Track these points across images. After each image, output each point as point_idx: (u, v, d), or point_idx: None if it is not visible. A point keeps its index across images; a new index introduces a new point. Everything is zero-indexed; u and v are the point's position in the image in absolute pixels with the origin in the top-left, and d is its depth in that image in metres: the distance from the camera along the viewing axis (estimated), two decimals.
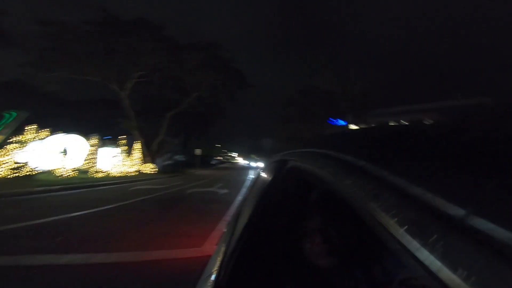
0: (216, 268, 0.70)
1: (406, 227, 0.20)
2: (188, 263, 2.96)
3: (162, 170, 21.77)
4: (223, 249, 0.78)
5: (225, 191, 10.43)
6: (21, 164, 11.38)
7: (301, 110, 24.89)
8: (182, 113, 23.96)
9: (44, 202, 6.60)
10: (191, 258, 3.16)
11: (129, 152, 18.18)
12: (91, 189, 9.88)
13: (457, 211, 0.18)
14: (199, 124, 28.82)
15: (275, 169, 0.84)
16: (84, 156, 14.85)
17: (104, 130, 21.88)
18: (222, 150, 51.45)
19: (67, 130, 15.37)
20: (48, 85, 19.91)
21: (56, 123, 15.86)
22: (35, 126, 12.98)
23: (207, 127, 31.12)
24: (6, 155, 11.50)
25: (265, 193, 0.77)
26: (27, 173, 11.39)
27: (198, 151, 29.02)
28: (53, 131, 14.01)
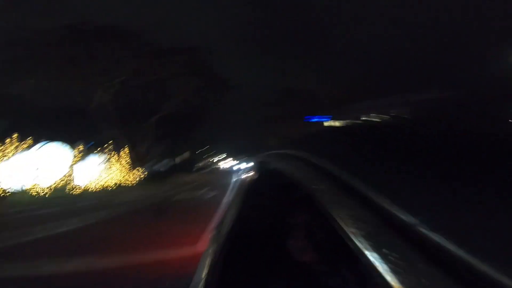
0: (206, 268, 0.71)
1: (361, 233, 0.19)
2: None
3: (149, 177, 21.47)
4: (212, 249, 0.79)
5: (214, 193, 10.68)
6: None
7: (283, 109, 25.57)
8: (168, 117, 23.70)
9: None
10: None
11: (116, 158, 17.84)
12: (50, 210, 8.86)
13: (408, 219, 0.18)
14: (186, 127, 28.64)
15: (259, 169, 0.78)
16: (67, 166, 14.42)
17: (88, 138, 21.34)
18: (211, 151, 50.69)
19: (50, 139, 14.93)
20: (27, 93, 19.23)
21: (37, 132, 15.35)
22: (16, 135, 12.51)
23: (194, 130, 30.97)
24: None
25: (250, 193, 0.78)
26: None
27: (186, 154, 28.83)
28: (35, 141, 13.54)
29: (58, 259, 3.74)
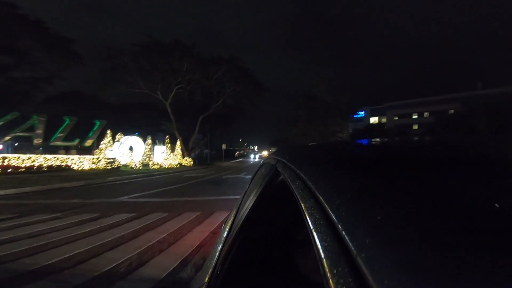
0: (209, 272, 0.69)
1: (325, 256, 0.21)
2: None
3: (197, 163, 26.83)
4: (217, 253, 0.75)
5: (249, 176, 14.73)
6: (111, 160, 16.69)
7: (306, 112, 28.64)
8: (210, 116, 28.71)
9: (141, 183, 11.38)
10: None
11: (172, 149, 23.27)
12: (157, 176, 14.72)
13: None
14: (223, 123, 33.56)
15: (270, 172, 0.76)
16: (143, 152, 20.08)
17: (153, 132, 27.39)
18: (244, 144, 56.49)
19: (128, 133, 20.66)
20: (111, 97, 25.72)
21: (119, 127, 21.26)
22: (109, 131, 18.29)
23: (230, 125, 35.83)
24: (101, 154, 16.93)
25: (260, 196, 0.72)
26: (115, 166, 16.70)
27: (223, 146, 33.84)
28: (123, 134, 19.30)
29: (161, 199, 8.25)
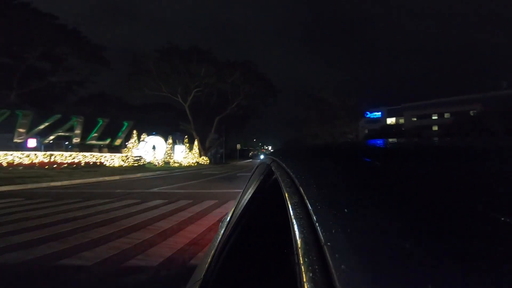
0: (205, 268, 0.69)
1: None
2: None
3: (213, 161, 28.48)
4: (213, 249, 0.75)
5: None
6: (138, 158, 18.61)
7: (316, 114, 29.41)
8: (226, 117, 30.27)
9: (166, 178, 12.95)
10: None
11: (190, 148, 25.03)
12: (178, 173, 16.34)
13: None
14: (238, 124, 35.03)
15: (265, 171, 0.76)
16: (164, 151, 21.94)
17: (171, 131, 29.41)
18: (259, 144, 57.93)
19: (148, 132, 22.59)
20: (135, 99, 28.01)
21: (141, 127, 23.28)
22: (135, 132, 20.25)
23: (244, 126, 37.25)
24: (129, 152, 18.91)
25: (255, 195, 0.73)
26: (140, 163, 18.60)
27: (238, 146, 35.30)
28: (146, 134, 21.24)
29: (186, 190, 9.62)
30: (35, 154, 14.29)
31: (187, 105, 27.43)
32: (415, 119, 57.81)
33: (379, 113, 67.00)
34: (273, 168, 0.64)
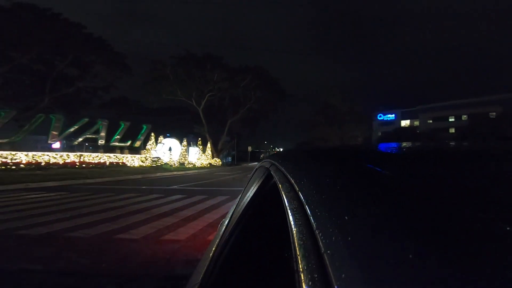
0: (203, 272, 0.69)
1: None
2: None
3: (225, 163, 29.67)
4: (211, 253, 0.74)
5: None
6: (156, 158, 20.07)
7: (324, 118, 30.04)
8: (237, 120, 31.45)
9: (183, 178, 14.13)
10: None
11: (203, 150, 26.33)
12: (193, 173, 17.55)
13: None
14: (250, 127, 36.13)
15: (264, 174, 0.76)
16: (180, 153, 23.32)
17: (185, 134, 30.97)
18: (270, 146, 58.82)
19: (166, 135, 24.07)
20: (153, 103, 29.80)
21: (156, 130, 24.83)
22: (153, 134, 21.74)
23: (256, 129, 38.32)
24: (147, 153, 20.41)
25: (254, 198, 0.72)
26: (158, 164, 20.03)
27: (249, 148, 36.35)
28: (164, 137, 22.72)
29: (201, 188, 10.65)
30: (67, 155, 15.97)
31: (200, 108, 28.84)
32: (430, 121, 56.51)
33: (393, 115, 65.97)
34: (272, 172, 0.63)
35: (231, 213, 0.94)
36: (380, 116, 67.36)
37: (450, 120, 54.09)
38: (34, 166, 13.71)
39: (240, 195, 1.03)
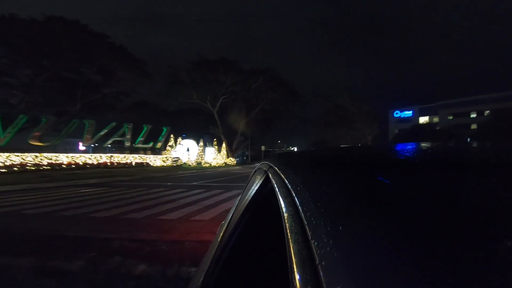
0: (203, 275, 0.69)
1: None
2: None
3: (239, 162, 31.06)
4: (211, 256, 0.74)
5: None
6: (176, 158, 21.78)
7: (337, 119, 30.54)
8: (251, 121, 32.70)
9: (201, 175, 15.55)
10: None
11: (219, 150, 27.83)
12: (210, 172, 18.95)
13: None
14: (263, 127, 37.29)
15: (262, 177, 0.75)
16: (197, 153, 24.95)
17: (201, 134, 32.72)
18: (284, 145, 59.86)
19: (183, 136, 25.74)
20: (170, 106, 31.78)
21: (173, 131, 26.60)
22: (173, 136, 23.46)
23: (269, 128, 39.39)
24: (168, 154, 22.17)
25: (252, 201, 0.71)
26: (178, 164, 21.73)
27: (262, 148, 37.51)
28: (181, 137, 24.41)
29: (218, 184, 11.92)
30: (100, 156, 17.98)
31: (215, 110, 30.39)
32: (451, 117, 54.72)
33: (410, 112, 64.40)
34: (270, 175, 0.62)
35: (230, 216, 0.93)
36: (397, 113, 65.96)
37: (471, 116, 52.15)
38: (74, 166, 15.73)
39: (239, 197, 1.04)
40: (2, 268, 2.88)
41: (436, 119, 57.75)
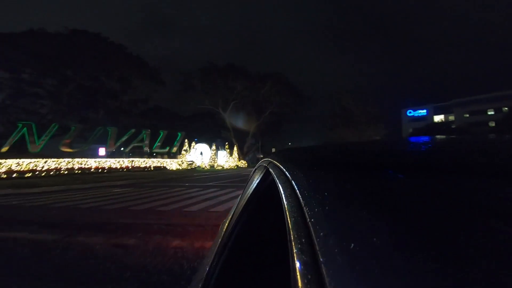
0: (207, 268, 0.69)
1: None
2: None
3: (250, 165, 32.13)
4: (215, 249, 0.74)
5: None
6: (190, 162, 23.18)
7: (343, 121, 31.01)
8: (260, 124, 33.78)
9: (214, 177, 16.73)
10: None
11: (230, 153, 29.05)
12: (223, 174, 20.11)
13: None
14: (272, 130, 38.28)
15: (262, 172, 0.75)
16: (210, 156, 26.26)
17: (213, 138, 34.15)
18: (294, 146, 60.64)
19: (196, 140, 27.15)
20: (184, 111, 33.43)
21: (189, 136, 28.08)
22: (187, 140, 24.89)
23: (278, 131, 40.34)
24: (183, 157, 23.62)
25: (253, 196, 0.72)
26: (193, 167, 23.10)
27: (273, 150, 38.45)
28: (194, 142, 25.83)
29: (231, 184, 12.96)
30: (123, 160, 19.63)
31: (226, 115, 31.71)
32: (467, 115, 53.40)
33: (424, 110, 63.18)
34: (270, 170, 0.62)
35: (232, 212, 0.94)
36: (410, 112, 64.83)
37: (489, 113, 50.78)
38: (100, 170, 17.39)
39: (240, 195, 1.03)
40: (85, 243, 4.05)
41: (451, 117, 56.43)
